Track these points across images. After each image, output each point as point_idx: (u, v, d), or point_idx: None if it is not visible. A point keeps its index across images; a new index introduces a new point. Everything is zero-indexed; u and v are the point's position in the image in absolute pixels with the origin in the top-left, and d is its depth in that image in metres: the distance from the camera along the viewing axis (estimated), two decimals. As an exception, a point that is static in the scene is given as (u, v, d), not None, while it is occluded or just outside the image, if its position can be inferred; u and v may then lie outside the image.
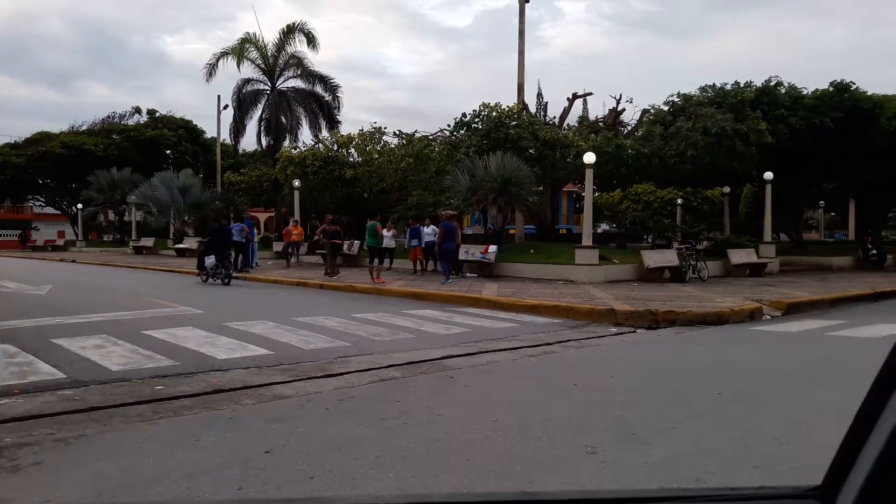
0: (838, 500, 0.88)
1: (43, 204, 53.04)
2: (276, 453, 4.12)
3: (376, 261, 17.15)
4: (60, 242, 46.24)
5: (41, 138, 47.63)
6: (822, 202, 39.76)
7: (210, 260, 17.36)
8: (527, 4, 26.07)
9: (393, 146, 27.22)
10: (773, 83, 26.20)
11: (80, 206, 42.45)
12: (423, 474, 3.79)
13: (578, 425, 4.79)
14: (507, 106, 23.66)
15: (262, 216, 51.40)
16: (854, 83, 25.70)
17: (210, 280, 17.30)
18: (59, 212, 51.93)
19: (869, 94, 25.79)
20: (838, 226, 51.27)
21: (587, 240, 17.61)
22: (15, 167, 45.88)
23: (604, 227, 38.95)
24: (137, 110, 52.22)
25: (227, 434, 4.56)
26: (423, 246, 19.73)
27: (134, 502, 3.45)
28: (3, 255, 36.77)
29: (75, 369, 6.49)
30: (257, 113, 37.56)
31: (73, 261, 29.92)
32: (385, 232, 18.74)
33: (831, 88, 25.71)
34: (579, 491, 2.74)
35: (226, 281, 16.99)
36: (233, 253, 18.72)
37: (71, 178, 46.18)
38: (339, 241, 18.70)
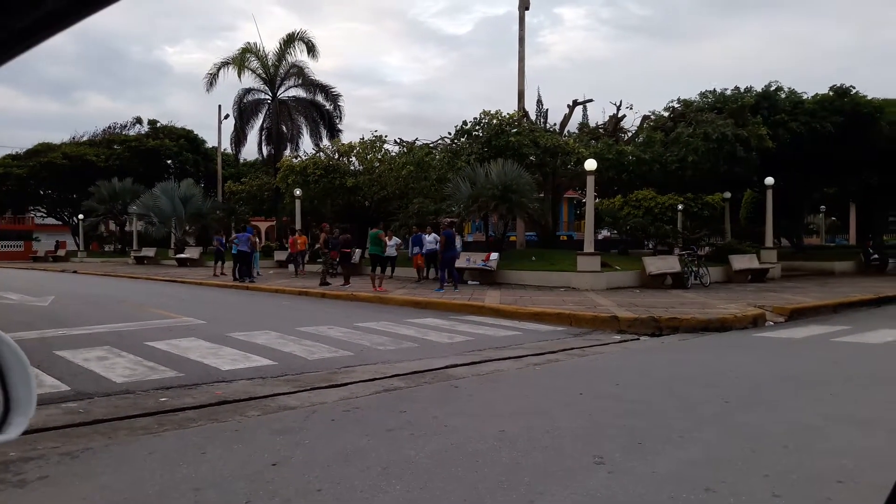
0: None
1: (44, 214, 53.11)
2: (283, 465, 4.10)
3: (378, 269, 17.12)
4: (62, 253, 46.27)
5: (43, 149, 47.73)
6: (822, 207, 39.72)
7: None
8: (526, 11, 26.14)
9: (394, 154, 27.27)
10: (773, 88, 26.25)
11: (81, 216, 42.50)
12: (431, 486, 3.77)
13: (585, 435, 4.77)
14: (508, 113, 23.69)
15: (263, 225, 51.45)
16: (854, 87, 25.76)
17: None
18: (60, 222, 52.02)
19: (869, 98, 25.81)
20: (839, 230, 51.19)
21: (589, 247, 17.60)
22: (16, 178, 45.96)
23: (604, 233, 38.90)
24: (138, 120, 52.41)
25: (233, 446, 4.54)
26: (424, 253, 19.72)
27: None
28: (5, 267, 36.78)
29: (79, 381, 6.47)
30: (258, 122, 37.71)
31: (75, 271, 29.92)
32: (387, 241, 18.74)
33: (831, 93, 25.74)
34: None
35: None
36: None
37: (72, 189, 46.28)
38: (350, 250, 18.81)
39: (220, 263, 24.09)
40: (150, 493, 3.67)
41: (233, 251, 20.97)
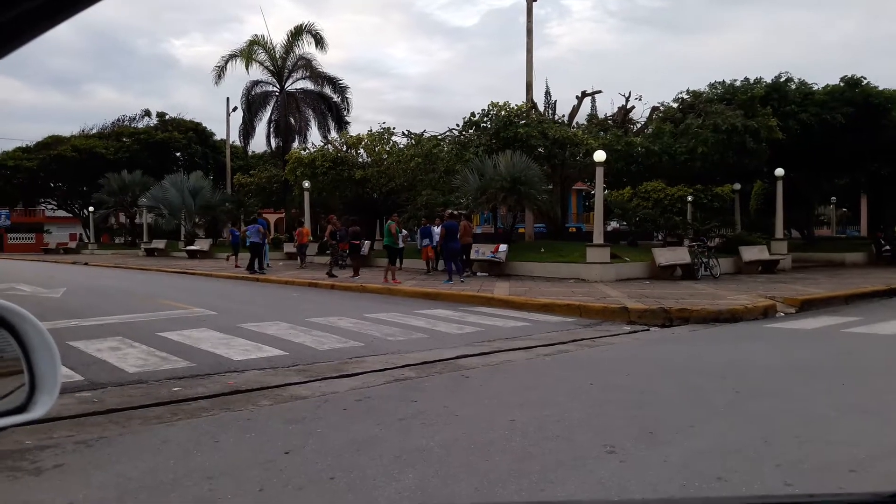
0: None
1: (55, 207, 53.42)
2: (296, 454, 4.14)
3: (389, 261, 17.07)
4: (72, 245, 46.54)
5: (52, 142, 47.93)
6: (833, 198, 39.44)
7: None
8: (534, 2, 26.02)
9: (402, 146, 27.25)
10: (782, 79, 26.01)
11: (91, 208, 42.71)
12: (442, 474, 3.79)
13: (596, 424, 4.78)
14: (516, 105, 23.61)
15: (272, 217, 51.57)
16: (865, 78, 25.50)
17: None
18: (70, 215, 52.30)
19: (880, 88, 25.58)
20: (850, 221, 50.85)
21: (598, 238, 17.55)
22: (27, 171, 46.22)
23: (613, 224, 38.83)
24: (147, 113, 52.59)
25: (246, 435, 4.58)
26: (433, 245, 19.75)
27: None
28: (17, 259, 37.05)
29: (92, 371, 6.53)
30: (266, 114, 37.69)
31: (86, 263, 30.11)
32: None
33: (842, 83, 25.50)
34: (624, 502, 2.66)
35: None
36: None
37: (82, 182, 46.53)
38: (359, 242, 18.86)
39: (236, 255, 24.27)
40: (164, 482, 3.71)
41: (247, 243, 21.23)
